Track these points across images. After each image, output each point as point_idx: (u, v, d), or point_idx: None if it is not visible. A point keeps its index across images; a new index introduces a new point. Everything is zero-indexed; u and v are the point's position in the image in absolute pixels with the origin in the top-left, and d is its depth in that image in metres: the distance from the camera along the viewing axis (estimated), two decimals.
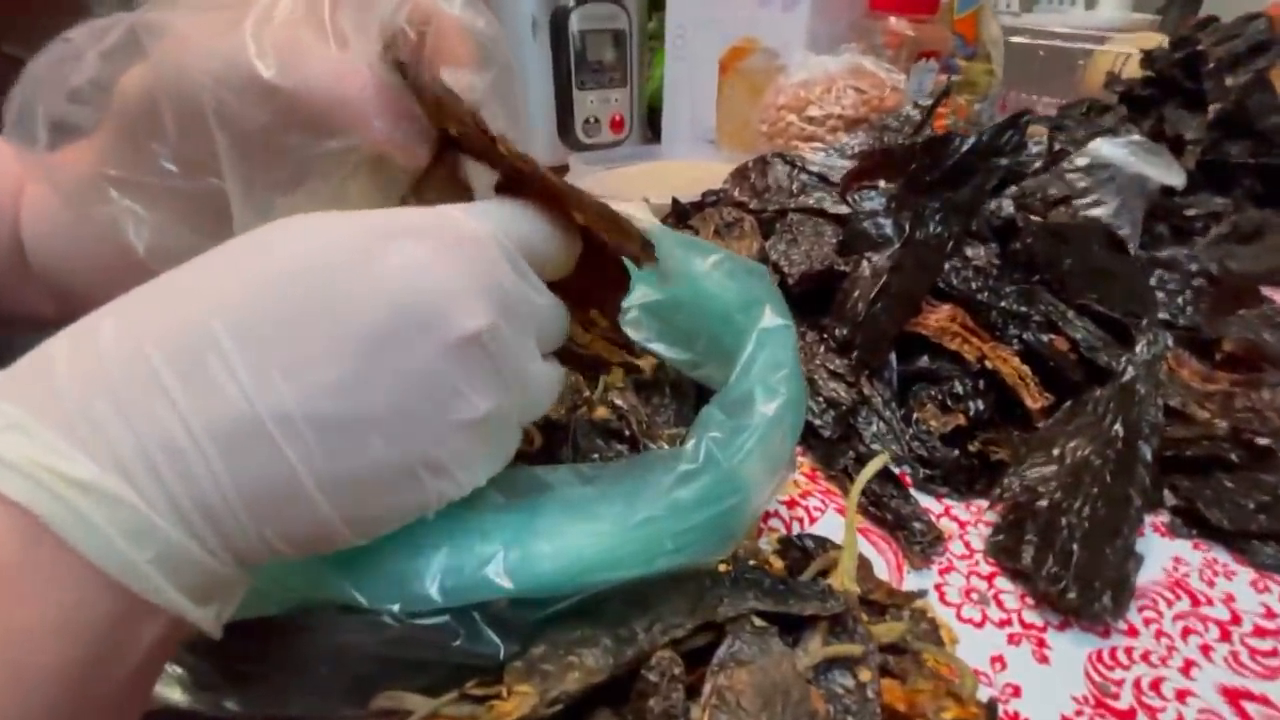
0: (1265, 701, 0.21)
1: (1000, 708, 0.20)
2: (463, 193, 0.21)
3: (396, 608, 0.15)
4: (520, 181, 0.19)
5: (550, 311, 0.18)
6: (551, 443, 0.27)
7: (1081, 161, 0.53)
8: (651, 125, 0.73)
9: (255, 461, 0.12)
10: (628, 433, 0.28)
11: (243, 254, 0.14)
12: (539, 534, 0.15)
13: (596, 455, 0.27)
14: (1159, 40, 1.00)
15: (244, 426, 0.12)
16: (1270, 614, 0.24)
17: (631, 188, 0.52)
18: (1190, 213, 0.56)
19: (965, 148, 0.31)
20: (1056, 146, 0.41)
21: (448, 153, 0.21)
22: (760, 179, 0.39)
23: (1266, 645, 0.23)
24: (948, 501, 0.29)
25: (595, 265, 0.21)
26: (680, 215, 0.41)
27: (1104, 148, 0.54)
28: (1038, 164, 0.38)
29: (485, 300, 0.15)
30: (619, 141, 0.62)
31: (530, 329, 0.17)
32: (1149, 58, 0.64)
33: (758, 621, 0.18)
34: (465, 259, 0.15)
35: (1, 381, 0.12)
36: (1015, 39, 1.01)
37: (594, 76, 0.58)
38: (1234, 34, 0.59)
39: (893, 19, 0.58)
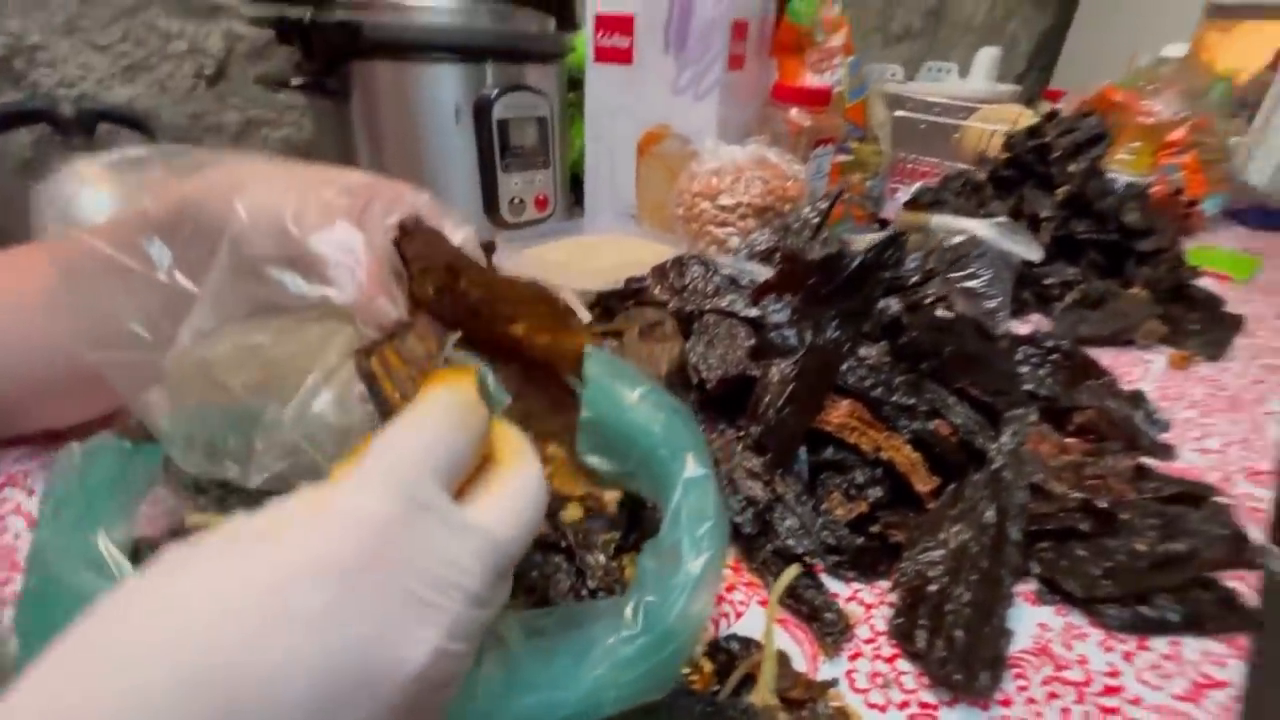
0: None
1: None
2: (432, 339, 0.24)
3: None
4: (476, 320, 0.22)
5: (505, 531, 0.16)
6: None
7: (958, 239, 0.60)
8: (575, 190, 0.76)
9: None
10: (564, 544, 0.30)
11: (89, 663, 0.11)
12: (485, 706, 0.17)
13: (535, 572, 0.29)
14: (1019, 110, 1.14)
15: None
16: (1114, 672, 0.29)
17: (556, 270, 0.54)
18: (1048, 281, 0.65)
19: (855, 264, 0.35)
20: (929, 266, 0.46)
21: (418, 312, 0.23)
22: (679, 279, 0.42)
23: (1112, 703, 0.27)
24: (855, 585, 0.32)
25: (543, 389, 0.23)
26: (607, 311, 0.43)
27: (978, 227, 0.61)
28: (915, 278, 0.43)
29: (422, 628, 0.13)
30: (545, 218, 0.64)
31: (486, 567, 0.15)
32: (1008, 144, 0.73)
33: None
34: (381, 585, 0.13)
35: None
36: (899, 113, 1.12)
37: (518, 160, 0.60)
38: (1074, 127, 0.69)
39: (793, 110, 0.64)
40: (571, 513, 0.24)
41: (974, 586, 0.29)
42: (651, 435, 0.25)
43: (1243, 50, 1.71)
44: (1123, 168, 0.96)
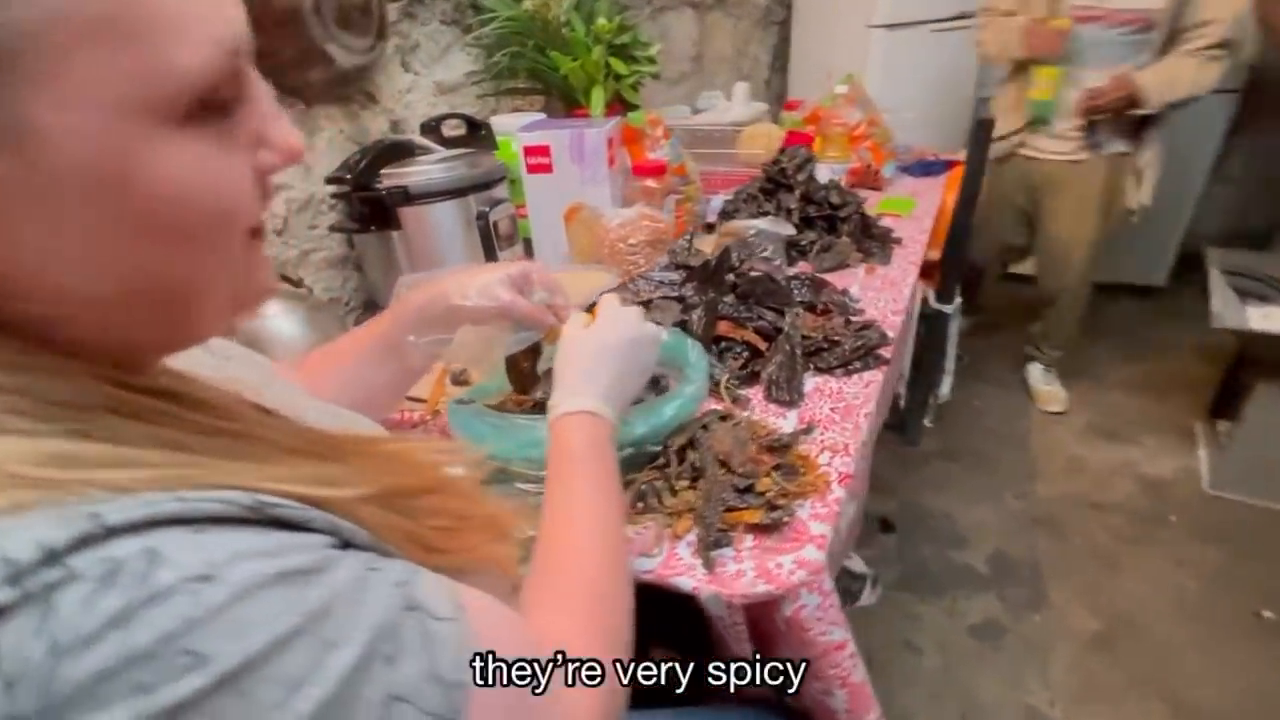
0: None
1: None
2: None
3: None
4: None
5: None
6: None
7: (753, 232, 1.11)
8: (527, 250, 1.17)
9: None
10: None
11: None
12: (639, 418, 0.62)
13: None
14: (770, 128, 1.70)
15: None
16: (845, 394, 0.79)
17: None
18: (803, 243, 1.18)
19: (714, 264, 0.82)
20: (740, 259, 0.95)
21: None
22: (632, 285, 0.87)
23: (858, 404, 0.77)
24: (744, 390, 0.80)
25: None
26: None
27: (759, 223, 1.13)
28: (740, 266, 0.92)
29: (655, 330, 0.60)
30: None
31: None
32: (765, 170, 1.26)
33: None
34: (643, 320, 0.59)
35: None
36: (694, 130, 1.65)
37: (503, 242, 1.01)
38: (793, 157, 1.24)
39: (647, 180, 1.11)
40: None
41: (784, 369, 0.77)
42: (678, 342, 0.70)
43: None
44: (834, 159, 1.54)
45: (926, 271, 1.75)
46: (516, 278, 0.62)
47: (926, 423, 2.01)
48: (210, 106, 0.27)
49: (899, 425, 1.96)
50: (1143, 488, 1.73)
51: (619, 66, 1.22)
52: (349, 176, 0.91)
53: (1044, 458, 1.87)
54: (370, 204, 0.93)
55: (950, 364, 1.97)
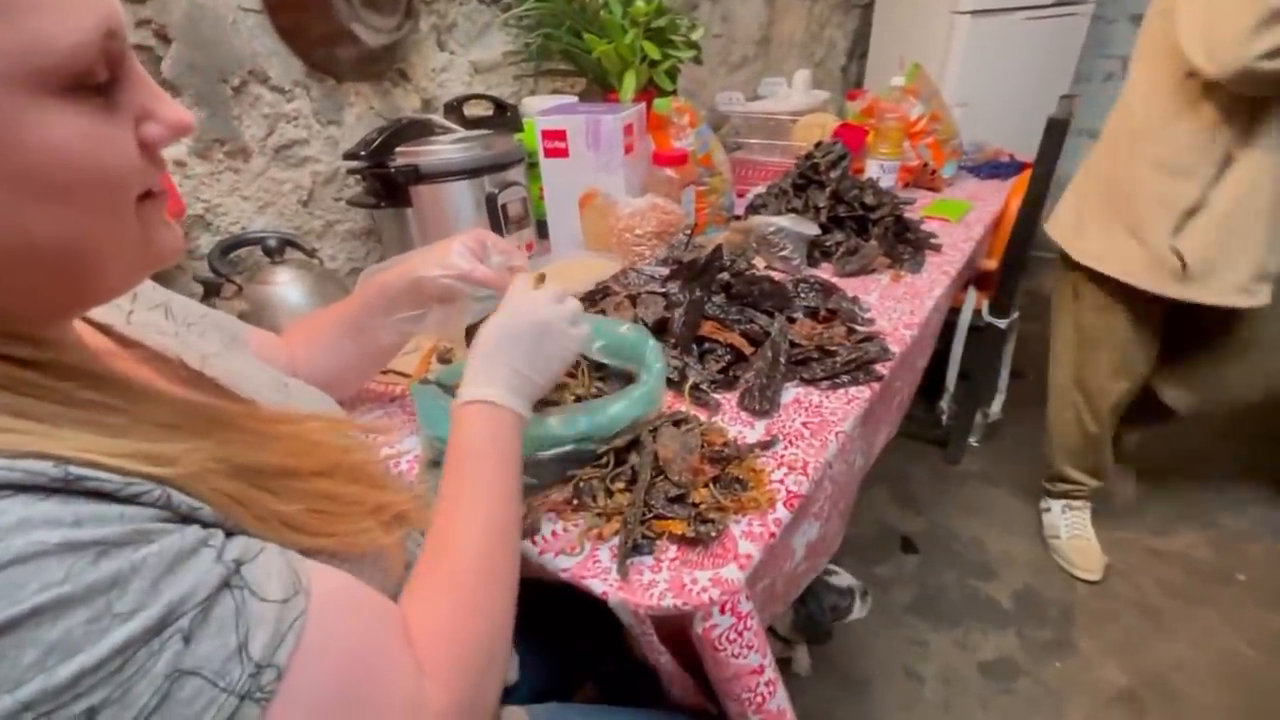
0: None
1: None
2: None
3: None
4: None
5: None
6: None
7: (773, 229, 1.07)
8: (541, 234, 1.18)
9: None
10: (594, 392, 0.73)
11: None
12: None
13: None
14: (826, 118, 1.62)
15: None
16: (825, 407, 0.75)
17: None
18: (828, 244, 1.13)
19: (701, 263, 0.80)
20: (731, 258, 0.92)
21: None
22: (624, 279, 0.85)
23: (836, 419, 0.73)
24: (720, 394, 0.77)
25: None
26: (592, 299, 0.86)
27: (780, 220, 1.08)
28: (734, 264, 0.89)
29: (579, 327, 0.59)
30: (532, 255, 1.06)
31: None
32: (799, 165, 1.21)
33: None
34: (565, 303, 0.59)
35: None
36: (740, 140, 1.59)
37: (512, 225, 1.02)
38: (828, 152, 1.17)
39: (667, 170, 1.09)
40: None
41: (764, 376, 0.74)
42: (633, 342, 0.69)
43: None
44: (885, 155, 1.45)
45: (983, 282, 1.64)
46: (473, 245, 0.63)
47: (972, 442, 1.89)
48: (87, 83, 0.29)
49: (941, 441, 1.86)
50: (1212, 538, 1.56)
51: (653, 51, 1.19)
52: (364, 153, 0.94)
53: (1099, 492, 1.72)
54: (383, 180, 0.96)
55: (1004, 382, 1.84)
